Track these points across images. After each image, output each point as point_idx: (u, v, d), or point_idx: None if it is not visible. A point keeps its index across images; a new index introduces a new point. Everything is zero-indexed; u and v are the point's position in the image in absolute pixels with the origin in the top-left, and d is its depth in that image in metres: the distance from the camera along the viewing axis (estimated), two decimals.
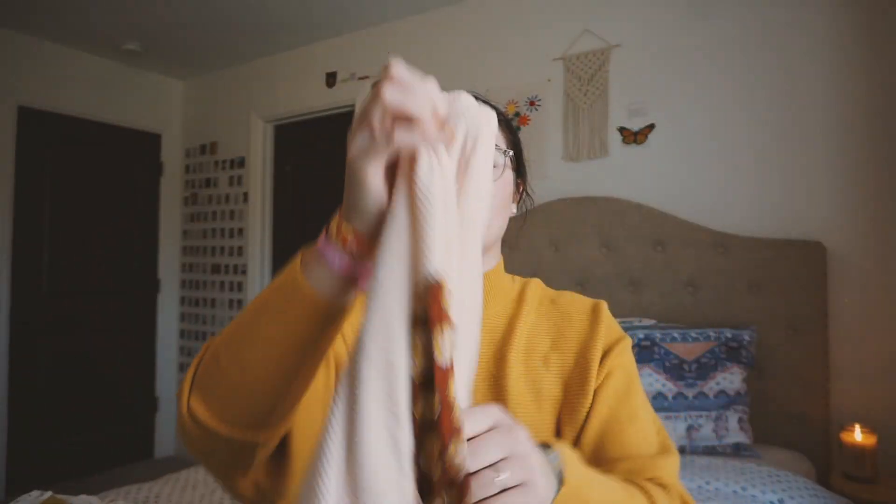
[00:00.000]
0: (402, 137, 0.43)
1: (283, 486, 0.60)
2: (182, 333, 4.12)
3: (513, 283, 0.83)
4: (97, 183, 3.74)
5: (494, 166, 0.72)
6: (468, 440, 0.43)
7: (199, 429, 0.53)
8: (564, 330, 0.78)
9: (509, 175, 0.77)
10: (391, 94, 0.42)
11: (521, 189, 0.84)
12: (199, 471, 1.94)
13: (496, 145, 0.73)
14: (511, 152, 0.76)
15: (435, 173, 0.44)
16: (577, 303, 0.81)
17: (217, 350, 0.53)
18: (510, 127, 0.80)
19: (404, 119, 0.43)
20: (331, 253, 0.48)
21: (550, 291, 0.84)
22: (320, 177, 3.51)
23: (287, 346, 0.50)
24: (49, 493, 1.49)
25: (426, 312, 0.42)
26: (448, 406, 0.41)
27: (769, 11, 2.22)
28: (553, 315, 0.79)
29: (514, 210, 0.83)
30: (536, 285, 0.84)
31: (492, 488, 0.43)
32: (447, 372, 0.41)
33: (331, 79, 3.45)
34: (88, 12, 3.12)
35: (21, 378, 3.34)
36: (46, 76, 3.48)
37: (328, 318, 0.50)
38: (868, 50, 2.06)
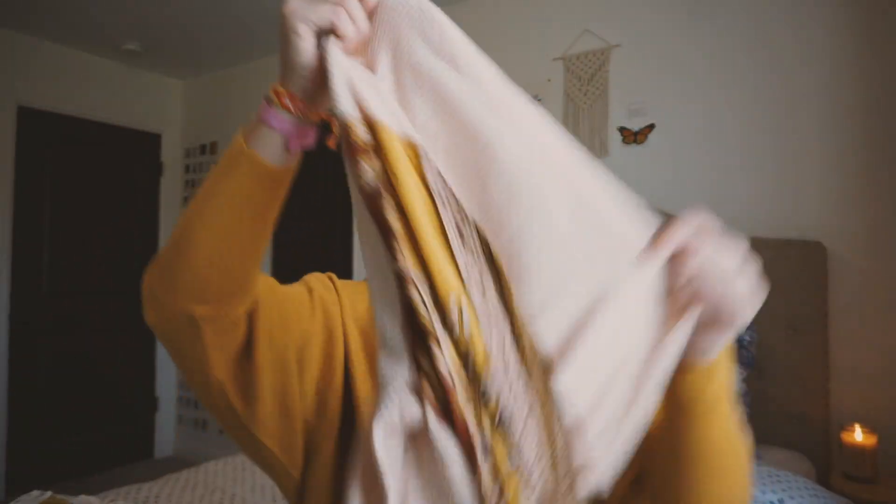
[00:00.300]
0: (342, 23, 0.48)
1: (253, 408, 0.59)
2: None
3: None
4: (97, 183, 3.74)
5: None
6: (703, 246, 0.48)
7: (153, 302, 0.55)
8: None
9: None
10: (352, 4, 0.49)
11: None
12: (199, 471, 1.94)
13: None
14: None
15: (334, 41, 0.48)
16: None
17: (174, 228, 0.56)
18: None
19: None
20: (271, 116, 0.52)
21: None
22: (320, 176, 3.50)
23: (232, 211, 0.53)
24: (49, 493, 1.49)
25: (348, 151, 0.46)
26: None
27: (768, 12, 2.22)
28: None
29: None
30: None
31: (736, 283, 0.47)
32: (374, 193, 0.44)
33: None
34: (88, 12, 3.12)
35: (21, 378, 3.34)
36: (46, 76, 3.48)
37: (271, 181, 0.54)
38: (868, 50, 2.06)
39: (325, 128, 0.55)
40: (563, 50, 2.66)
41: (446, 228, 0.44)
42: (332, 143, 0.54)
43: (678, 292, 0.47)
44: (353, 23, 0.49)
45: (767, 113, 2.22)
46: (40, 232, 3.47)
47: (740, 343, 1.99)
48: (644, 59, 2.48)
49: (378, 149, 0.44)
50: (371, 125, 0.45)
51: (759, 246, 2.14)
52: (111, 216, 3.81)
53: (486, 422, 0.42)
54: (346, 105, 0.45)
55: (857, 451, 1.82)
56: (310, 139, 0.55)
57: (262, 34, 3.42)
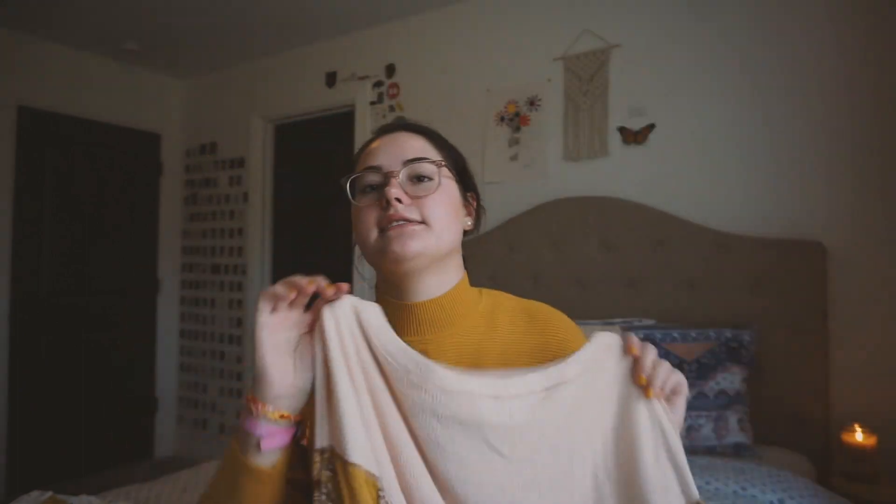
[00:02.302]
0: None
1: None
2: (182, 333, 4.12)
3: (480, 296, 0.81)
4: (97, 183, 3.74)
5: (430, 179, 0.75)
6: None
7: None
8: (545, 344, 0.76)
9: (450, 186, 0.78)
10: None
11: (473, 202, 0.84)
12: (199, 471, 1.94)
13: (426, 158, 0.76)
14: (443, 161, 0.78)
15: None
16: (555, 317, 0.80)
17: None
18: (442, 143, 0.82)
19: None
20: (245, 420, 0.62)
21: (523, 302, 0.82)
22: (320, 177, 3.50)
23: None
24: (49, 493, 1.49)
25: None
26: None
27: (769, 10, 2.22)
28: (531, 329, 0.78)
29: (470, 223, 0.83)
30: (506, 298, 0.83)
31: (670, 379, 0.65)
32: None
33: (331, 79, 3.45)
34: (88, 12, 3.12)
35: (21, 378, 3.34)
36: (46, 76, 3.48)
37: (253, 476, 0.62)
38: (869, 50, 2.06)
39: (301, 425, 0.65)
40: (563, 50, 2.66)
41: None
42: (305, 440, 0.65)
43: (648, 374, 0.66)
44: None
45: (768, 113, 2.22)
46: (40, 232, 3.47)
47: (740, 343, 1.99)
48: (644, 59, 2.47)
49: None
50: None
51: (759, 246, 2.14)
52: (111, 216, 3.81)
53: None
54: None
55: (857, 451, 1.82)
56: (278, 439, 0.62)
57: (261, 34, 3.42)
